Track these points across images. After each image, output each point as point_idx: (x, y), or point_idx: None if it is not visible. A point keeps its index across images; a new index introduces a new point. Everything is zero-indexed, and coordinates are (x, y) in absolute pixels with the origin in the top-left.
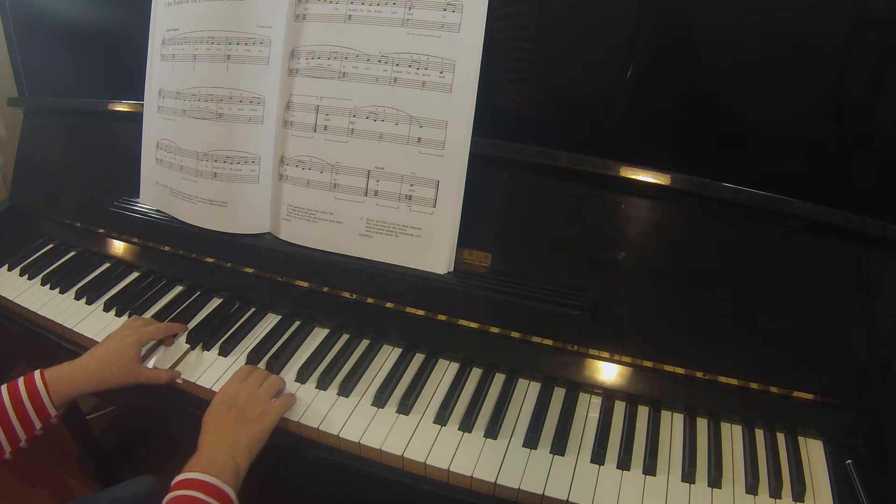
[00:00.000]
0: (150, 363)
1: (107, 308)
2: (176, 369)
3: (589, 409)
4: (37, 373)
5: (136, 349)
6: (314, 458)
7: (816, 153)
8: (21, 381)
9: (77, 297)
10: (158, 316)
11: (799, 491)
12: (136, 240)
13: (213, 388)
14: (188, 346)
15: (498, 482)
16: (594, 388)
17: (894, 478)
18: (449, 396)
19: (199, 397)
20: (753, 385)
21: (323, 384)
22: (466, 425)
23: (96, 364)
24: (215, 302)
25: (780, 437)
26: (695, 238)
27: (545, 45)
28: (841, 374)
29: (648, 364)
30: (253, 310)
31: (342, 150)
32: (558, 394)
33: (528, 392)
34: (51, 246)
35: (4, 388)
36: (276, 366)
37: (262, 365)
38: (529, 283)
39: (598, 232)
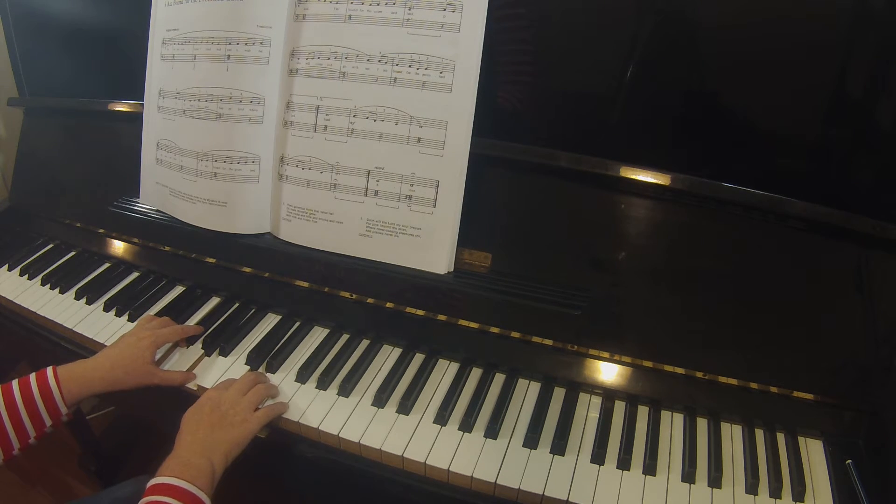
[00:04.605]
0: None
1: (107, 308)
2: (191, 372)
3: (589, 409)
4: (49, 371)
5: (151, 352)
6: (314, 457)
7: (816, 153)
8: (33, 377)
9: (77, 297)
10: (158, 316)
11: (799, 491)
12: (136, 240)
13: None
14: (189, 345)
15: (498, 482)
16: (594, 388)
17: (894, 478)
18: (449, 396)
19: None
20: (753, 385)
21: (323, 384)
22: (466, 425)
23: (110, 365)
24: (215, 302)
25: (780, 437)
26: (695, 238)
27: (545, 44)
28: (841, 374)
29: (648, 364)
30: (253, 310)
31: (342, 150)
32: (558, 394)
33: (528, 392)
34: (51, 246)
35: (16, 384)
36: (275, 366)
37: (262, 366)
38: (529, 283)
39: (598, 232)
